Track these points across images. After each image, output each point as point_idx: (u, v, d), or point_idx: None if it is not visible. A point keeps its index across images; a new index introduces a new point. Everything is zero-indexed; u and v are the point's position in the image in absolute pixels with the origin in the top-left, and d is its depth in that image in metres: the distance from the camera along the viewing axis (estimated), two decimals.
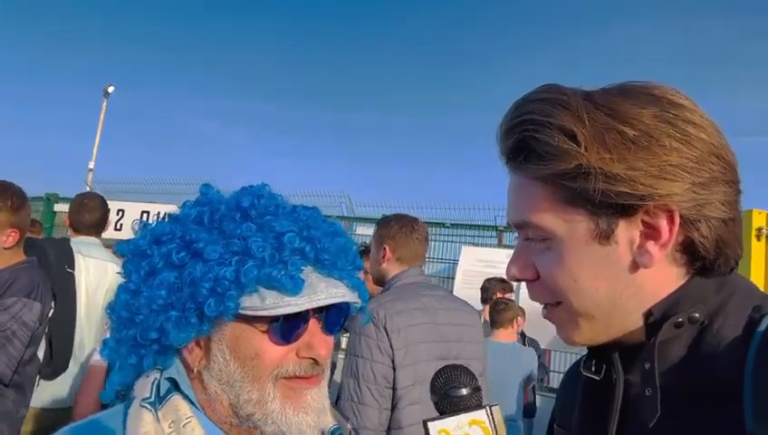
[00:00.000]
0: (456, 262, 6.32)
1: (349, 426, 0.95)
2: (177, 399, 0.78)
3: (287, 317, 0.76)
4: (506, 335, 3.90)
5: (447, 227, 6.75)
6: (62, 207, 8.43)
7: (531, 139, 0.69)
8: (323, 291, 0.77)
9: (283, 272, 0.75)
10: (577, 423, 0.80)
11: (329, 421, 0.90)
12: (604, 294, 0.69)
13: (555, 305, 0.73)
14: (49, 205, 8.45)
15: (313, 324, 0.80)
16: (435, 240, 6.77)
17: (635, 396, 0.70)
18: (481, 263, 6.04)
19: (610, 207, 0.66)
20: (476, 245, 6.53)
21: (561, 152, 0.66)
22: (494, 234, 6.59)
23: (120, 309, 0.80)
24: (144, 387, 0.78)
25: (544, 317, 0.77)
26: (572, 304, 0.70)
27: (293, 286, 0.75)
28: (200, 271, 0.75)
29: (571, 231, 0.68)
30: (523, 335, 4.50)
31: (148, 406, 0.76)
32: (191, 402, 0.79)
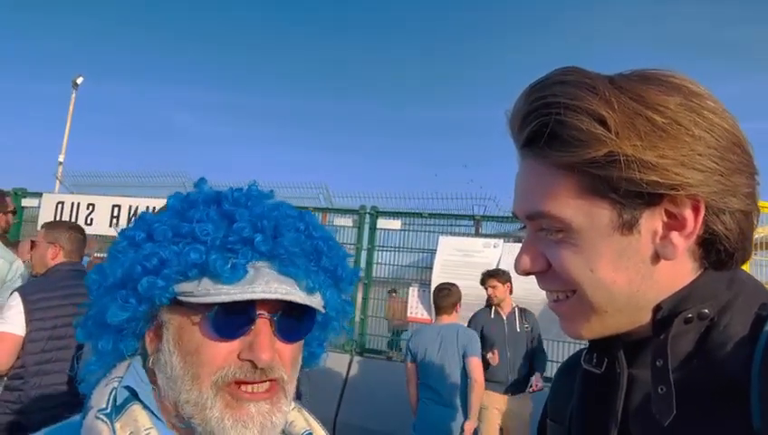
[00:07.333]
0: (433, 252, 6.35)
1: (324, 432, 0.91)
2: (135, 409, 0.73)
3: (226, 311, 0.72)
4: (450, 319, 4.25)
5: (425, 217, 6.76)
6: (30, 202, 8.23)
7: (555, 123, 0.64)
8: (262, 284, 0.72)
9: (223, 259, 0.71)
10: (575, 417, 0.77)
11: (301, 426, 0.88)
12: (621, 287, 0.66)
13: (567, 297, 0.69)
14: (17, 200, 8.19)
15: (263, 325, 0.74)
16: (412, 230, 6.79)
17: (641, 391, 0.68)
18: (459, 252, 6.08)
19: (637, 196, 0.63)
20: (454, 234, 6.57)
21: (591, 138, 0.62)
22: (471, 223, 6.62)
23: (90, 289, 0.81)
24: (100, 397, 0.74)
25: (551, 309, 0.73)
26: (587, 295, 0.67)
27: (231, 275, 0.71)
28: (147, 250, 0.74)
29: (591, 221, 0.65)
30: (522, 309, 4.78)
31: (104, 418, 0.71)
32: (152, 412, 0.74)
